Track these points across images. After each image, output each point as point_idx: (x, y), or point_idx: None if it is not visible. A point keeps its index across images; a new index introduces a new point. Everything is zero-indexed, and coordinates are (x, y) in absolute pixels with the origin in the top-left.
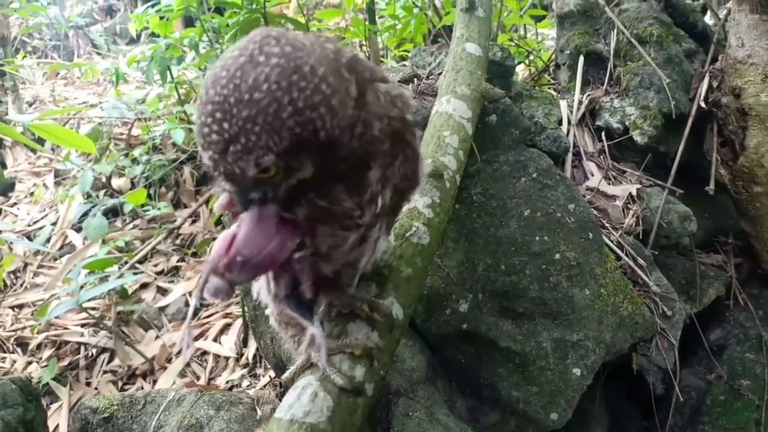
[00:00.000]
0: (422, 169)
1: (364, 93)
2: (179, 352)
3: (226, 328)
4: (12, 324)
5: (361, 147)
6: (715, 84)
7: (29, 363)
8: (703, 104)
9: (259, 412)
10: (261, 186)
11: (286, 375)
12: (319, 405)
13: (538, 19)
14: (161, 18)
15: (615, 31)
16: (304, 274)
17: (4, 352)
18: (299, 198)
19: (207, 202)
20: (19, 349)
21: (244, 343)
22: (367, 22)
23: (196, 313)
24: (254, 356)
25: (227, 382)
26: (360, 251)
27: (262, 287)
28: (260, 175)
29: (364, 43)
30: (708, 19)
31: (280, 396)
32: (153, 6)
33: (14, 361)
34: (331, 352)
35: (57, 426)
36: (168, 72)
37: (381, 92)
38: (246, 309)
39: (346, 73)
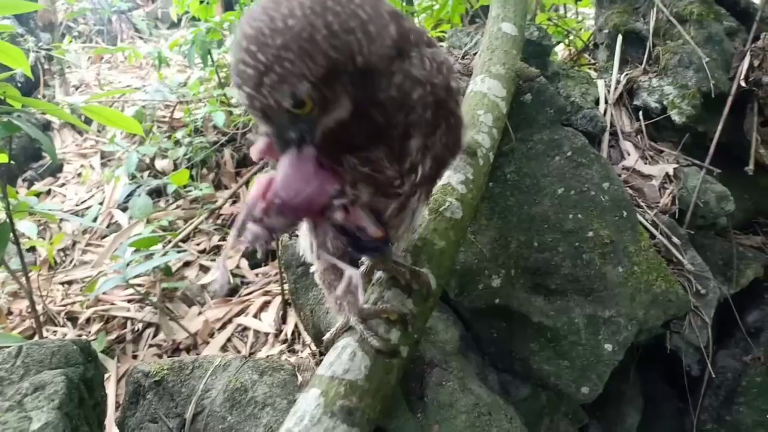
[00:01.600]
0: (464, 137)
1: (407, 49)
2: (221, 327)
3: (265, 305)
4: (62, 299)
5: (400, 103)
6: (756, 63)
7: (79, 336)
8: (743, 83)
9: (299, 377)
10: (297, 124)
11: (327, 336)
12: (358, 364)
13: None
14: (201, 2)
15: (654, 9)
16: (357, 218)
17: (55, 325)
18: (341, 160)
19: (247, 183)
20: (69, 323)
21: (283, 319)
22: (404, 3)
23: (236, 291)
24: (292, 332)
25: (267, 356)
26: (399, 219)
27: (306, 246)
28: (296, 110)
29: None
30: None
31: (319, 364)
32: None
33: (65, 335)
34: (368, 317)
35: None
36: (209, 55)
37: (427, 56)
38: (286, 284)
39: (386, 15)
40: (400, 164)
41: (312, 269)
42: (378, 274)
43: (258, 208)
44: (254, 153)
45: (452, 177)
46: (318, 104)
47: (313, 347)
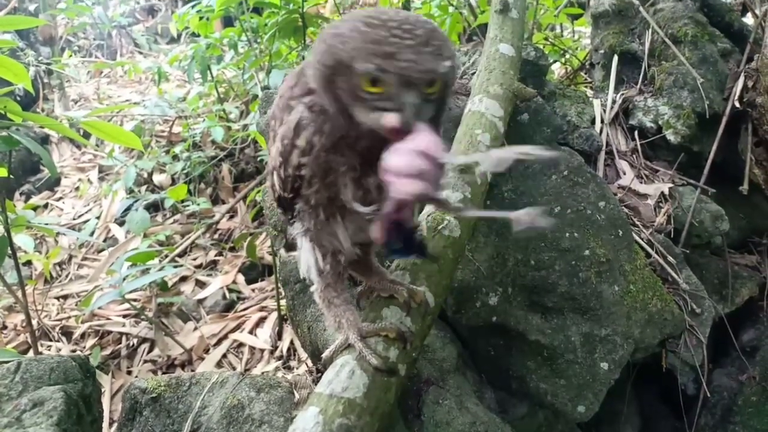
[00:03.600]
0: None
1: None
2: (216, 343)
3: (261, 321)
4: (57, 314)
5: None
6: (750, 84)
7: (74, 351)
8: (737, 104)
9: (296, 395)
10: (424, 102)
11: (326, 354)
12: (356, 382)
13: (575, 17)
14: (201, 18)
15: (650, 30)
16: None
17: (50, 340)
18: (372, 166)
19: (244, 198)
20: (64, 338)
21: (279, 336)
22: None
23: (232, 306)
24: (288, 349)
25: (262, 373)
26: None
27: (311, 264)
28: (428, 88)
29: None
30: (748, 18)
31: (316, 381)
32: (194, 6)
33: (59, 350)
34: (367, 335)
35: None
36: (208, 71)
37: None
38: (284, 300)
39: None
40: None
41: (312, 288)
42: (376, 293)
43: (425, 161)
44: (390, 122)
45: (451, 196)
46: (440, 86)
47: (310, 364)
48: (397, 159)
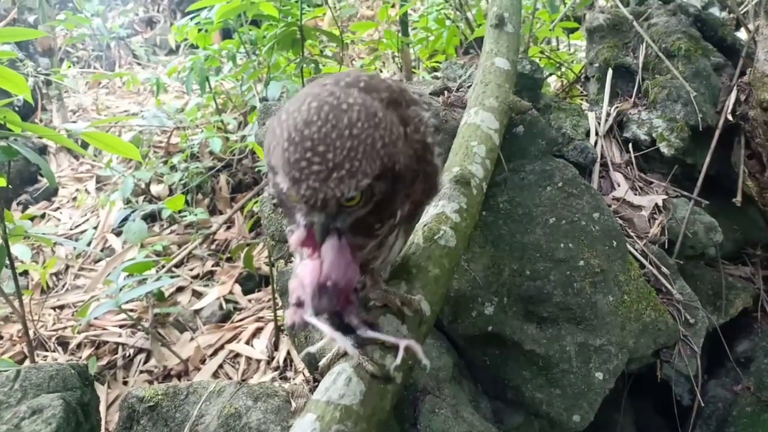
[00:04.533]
0: (440, 179)
1: (406, 129)
2: (213, 354)
3: (258, 331)
4: (53, 324)
5: (406, 178)
6: (742, 97)
7: (69, 361)
8: (730, 117)
9: (293, 404)
10: (341, 215)
11: (323, 362)
12: (353, 389)
13: (571, 31)
14: (200, 30)
15: (644, 44)
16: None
17: (46, 350)
18: None
19: (242, 208)
20: (60, 348)
21: (276, 346)
22: (400, 35)
23: (229, 317)
24: (285, 359)
25: (259, 384)
26: (379, 251)
27: None
28: (348, 203)
29: (396, 54)
30: (741, 33)
31: (313, 391)
32: (192, 18)
33: (55, 360)
34: (364, 342)
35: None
36: (206, 82)
37: (410, 119)
38: (281, 311)
39: (395, 117)
40: (382, 213)
41: None
42: (371, 302)
43: (309, 291)
44: (294, 242)
45: (446, 206)
46: (364, 198)
47: (307, 374)
48: (291, 281)
